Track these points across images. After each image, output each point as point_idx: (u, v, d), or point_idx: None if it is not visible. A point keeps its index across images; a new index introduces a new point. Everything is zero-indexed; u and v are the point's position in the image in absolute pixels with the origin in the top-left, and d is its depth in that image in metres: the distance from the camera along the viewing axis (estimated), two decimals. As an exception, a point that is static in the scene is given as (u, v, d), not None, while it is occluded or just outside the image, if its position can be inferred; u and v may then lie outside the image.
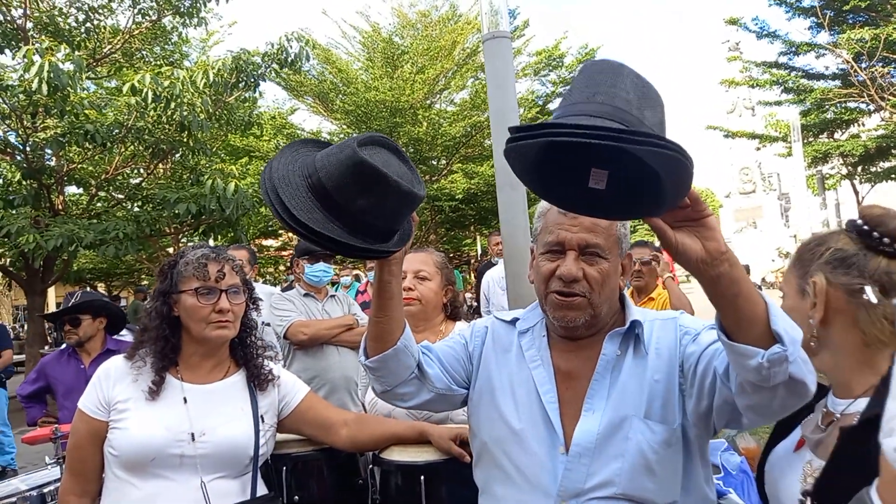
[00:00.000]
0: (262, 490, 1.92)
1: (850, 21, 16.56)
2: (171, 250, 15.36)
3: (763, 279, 11.31)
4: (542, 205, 1.58)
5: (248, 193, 10.77)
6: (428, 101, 18.70)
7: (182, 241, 14.75)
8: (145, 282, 22.33)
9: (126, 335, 4.60)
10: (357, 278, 11.51)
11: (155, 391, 1.84)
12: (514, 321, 1.67)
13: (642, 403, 1.43)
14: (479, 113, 17.68)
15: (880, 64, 14.72)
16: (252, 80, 10.94)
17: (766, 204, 36.70)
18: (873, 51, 14.33)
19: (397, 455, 2.00)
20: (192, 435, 1.80)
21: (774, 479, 1.37)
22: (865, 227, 1.27)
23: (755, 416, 1.24)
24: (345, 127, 18.88)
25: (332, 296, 4.36)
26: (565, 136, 1.01)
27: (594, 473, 1.40)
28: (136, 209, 11.73)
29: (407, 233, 1.52)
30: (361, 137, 1.39)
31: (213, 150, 13.77)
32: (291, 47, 10.85)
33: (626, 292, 1.60)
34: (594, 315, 1.49)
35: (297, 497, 2.08)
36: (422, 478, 1.90)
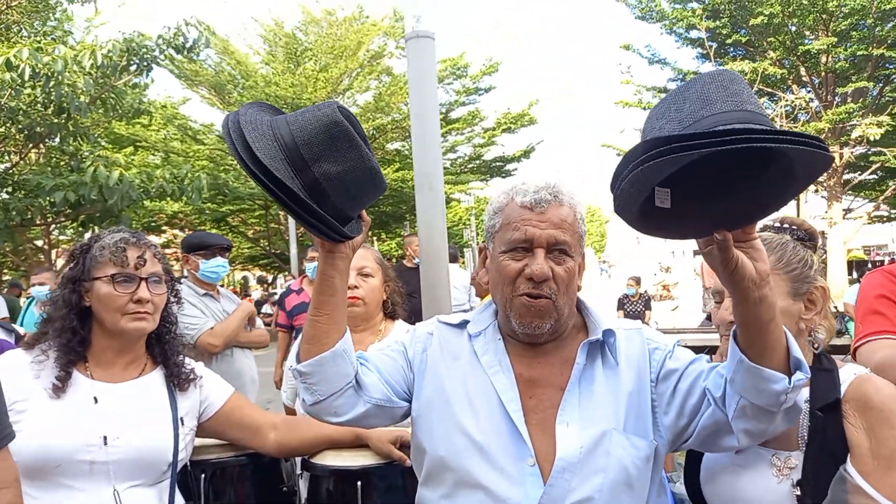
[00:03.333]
0: (179, 499, 1.74)
1: (732, 54, 17.95)
2: (39, 243, 14.16)
3: (645, 291, 11.99)
4: (498, 200, 1.47)
5: (134, 184, 10.08)
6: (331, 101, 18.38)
7: (54, 232, 13.62)
8: (7, 276, 20.43)
9: (-3, 332, 4.12)
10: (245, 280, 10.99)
11: (60, 388, 1.62)
12: (462, 324, 1.54)
13: (620, 416, 1.36)
14: (382, 116, 17.56)
15: (756, 95, 16.03)
16: (145, 64, 10.26)
17: (648, 220, 38.83)
18: (752, 82, 15.56)
19: (331, 460, 1.87)
20: (105, 438, 1.60)
21: (727, 480, 1.41)
22: (807, 238, 1.49)
23: (748, 438, 1.26)
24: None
25: (224, 295, 4.06)
26: (785, 142, 0.97)
27: (574, 489, 1.30)
28: (6, 196, 10.67)
29: (356, 229, 1.42)
30: (341, 106, 1.31)
31: (96, 136, 12.82)
32: (189, 33, 10.28)
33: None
34: (558, 319, 1.40)
35: (215, 507, 1.90)
36: (359, 484, 1.79)
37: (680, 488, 2.72)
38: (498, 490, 1.31)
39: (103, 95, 10.39)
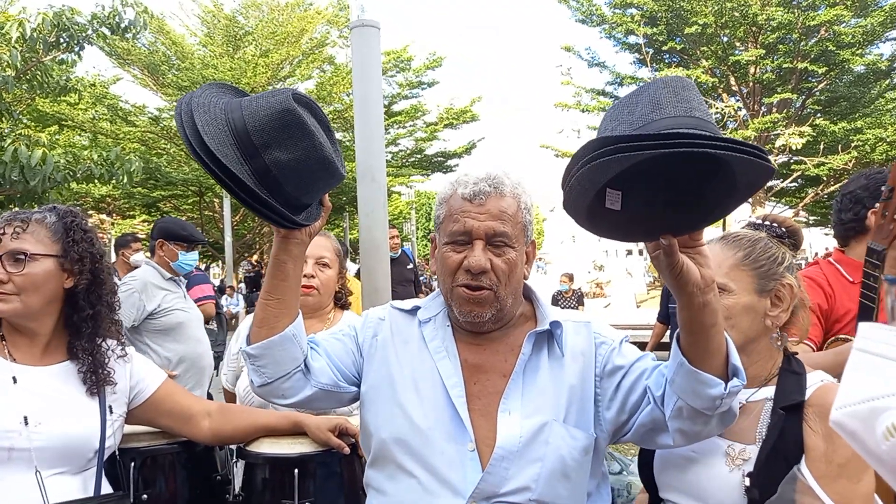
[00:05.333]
0: (107, 488, 1.68)
1: (668, 61, 18.53)
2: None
3: (579, 288, 12.32)
4: (443, 190, 1.49)
5: (59, 165, 9.60)
6: (271, 87, 17.99)
7: (-30, 214, 12.83)
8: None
9: None
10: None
11: None
12: (414, 310, 1.56)
13: (561, 407, 1.38)
14: (324, 105, 17.30)
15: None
16: (75, 41, 9.77)
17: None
18: (684, 90, 16.11)
19: (267, 447, 1.85)
20: (25, 419, 1.52)
21: (679, 467, 1.43)
22: (789, 235, 1.51)
23: (683, 439, 1.30)
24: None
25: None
26: (731, 150, 0.97)
27: (512, 478, 1.32)
28: (-84, 173, 9.99)
29: (314, 215, 1.43)
30: (297, 93, 1.31)
31: (18, 113, 12.12)
32: (126, 13, 9.85)
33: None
34: (500, 309, 1.41)
35: (145, 496, 1.85)
36: (296, 471, 1.78)
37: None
38: (437, 473, 1.34)
39: (29, 71, 9.86)
